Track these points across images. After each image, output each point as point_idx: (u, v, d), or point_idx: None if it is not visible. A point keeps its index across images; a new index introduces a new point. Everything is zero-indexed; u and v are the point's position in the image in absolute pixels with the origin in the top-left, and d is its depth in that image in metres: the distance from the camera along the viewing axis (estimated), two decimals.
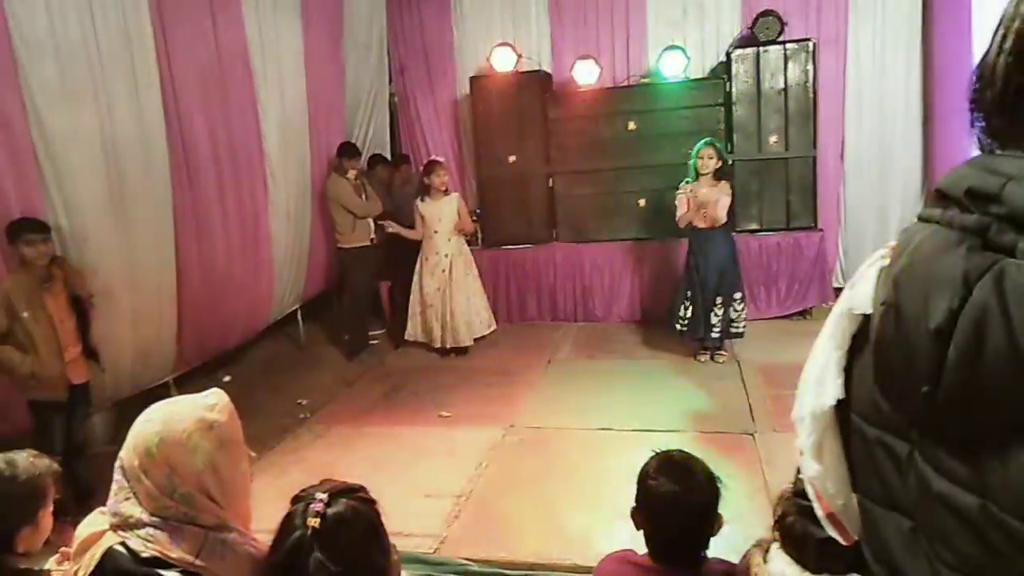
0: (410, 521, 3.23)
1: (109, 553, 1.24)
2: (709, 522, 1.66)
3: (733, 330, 5.32)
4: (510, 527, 3.35)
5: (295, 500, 1.33)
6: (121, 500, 1.26)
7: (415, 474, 3.77)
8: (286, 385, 5.35)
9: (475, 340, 5.93)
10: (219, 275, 4.83)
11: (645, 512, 1.72)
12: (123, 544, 1.24)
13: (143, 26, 4.09)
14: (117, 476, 1.29)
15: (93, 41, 3.77)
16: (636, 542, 1.78)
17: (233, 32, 4.93)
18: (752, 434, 4.14)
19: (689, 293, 5.29)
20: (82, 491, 3.51)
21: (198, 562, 1.23)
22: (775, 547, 1.72)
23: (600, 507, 3.40)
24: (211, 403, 1.33)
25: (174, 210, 4.40)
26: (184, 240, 4.49)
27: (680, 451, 1.82)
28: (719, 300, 5.23)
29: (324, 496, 1.28)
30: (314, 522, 1.24)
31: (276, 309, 5.73)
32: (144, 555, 1.23)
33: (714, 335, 5.29)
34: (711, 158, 5.09)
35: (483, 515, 3.46)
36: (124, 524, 1.25)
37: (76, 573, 1.27)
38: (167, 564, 1.22)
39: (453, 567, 2.86)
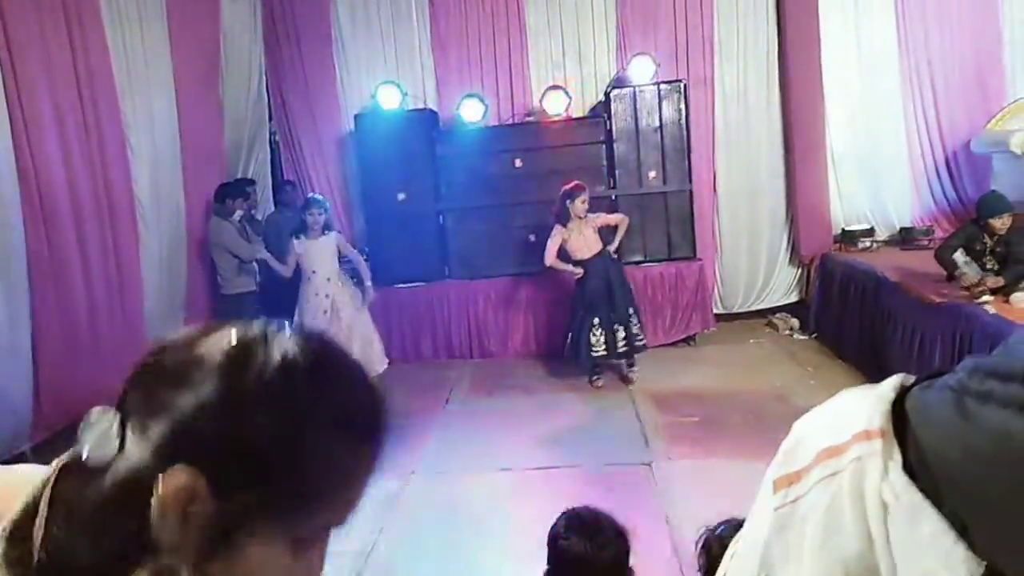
0: None
1: None
2: None
3: (638, 343, 5.49)
4: None
5: None
6: None
7: None
8: None
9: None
10: (83, 332, 4.43)
11: (558, 573, 1.71)
12: None
13: None
14: None
15: None
16: None
17: (98, 67, 4.59)
18: (648, 464, 4.25)
19: (596, 319, 5.38)
20: None
21: None
22: None
23: (507, 553, 3.37)
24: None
25: (28, 264, 4.01)
26: (41, 296, 4.09)
27: (587, 508, 1.84)
28: (619, 322, 5.39)
29: None
30: None
31: None
32: None
33: (620, 351, 5.45)
34: (584, 202, 5.29)
35: (388, 573, 3.34)
36: None
37: None
38: None
39: None
